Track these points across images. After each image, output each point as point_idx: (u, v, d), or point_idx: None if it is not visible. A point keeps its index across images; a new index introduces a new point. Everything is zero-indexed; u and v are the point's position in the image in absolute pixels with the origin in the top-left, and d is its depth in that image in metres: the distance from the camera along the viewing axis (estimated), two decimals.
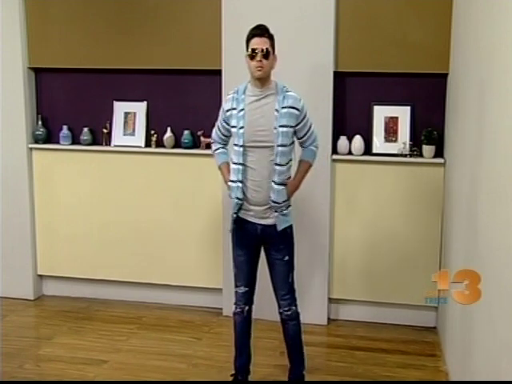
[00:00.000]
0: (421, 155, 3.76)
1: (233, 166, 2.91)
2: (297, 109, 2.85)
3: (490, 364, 2.25)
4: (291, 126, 2.84)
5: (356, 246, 3.92)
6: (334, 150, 3.85)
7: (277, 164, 2.83)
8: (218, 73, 3.86)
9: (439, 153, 3.76)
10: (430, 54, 3.70)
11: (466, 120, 3.02)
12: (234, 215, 2.93)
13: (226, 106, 2.95)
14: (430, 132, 3.72)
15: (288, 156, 2.87)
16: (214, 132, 3.10)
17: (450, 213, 3.46)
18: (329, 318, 3.99)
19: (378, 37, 3.75)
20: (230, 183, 2.92)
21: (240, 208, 2.91)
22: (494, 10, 2.42)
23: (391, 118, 3.83)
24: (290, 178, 2.94)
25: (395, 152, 3.79)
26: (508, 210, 2.04)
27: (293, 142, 2.90)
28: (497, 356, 2.14)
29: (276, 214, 2.88)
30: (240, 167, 2.85)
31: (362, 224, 3.89)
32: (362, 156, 3.84)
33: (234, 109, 2.88)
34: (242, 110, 2.86)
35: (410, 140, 3.78)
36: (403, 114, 3.81)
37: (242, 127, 2.84)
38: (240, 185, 2.86)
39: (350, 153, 3.86)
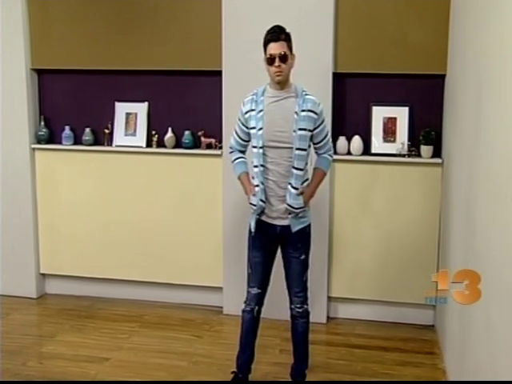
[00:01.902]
0: (419, 155, 3.79)
1: (255, 170, 2.91)
2: (315, 112, 2.86)
3: (488, 362, 2.27)
4: (309, 130, 2.86)
5: (355, 245, 3.95)
6: (334, 150, 3.87)
7: (294, 168, 2.85)
8: (219, 73, 3.89)
9: (437, 153, 3.79)
10: (428, 55, 3.73)
11: (463, 120, 3.04)
12: (257, 217, 2.94)
13: (244, 108, 2.95)
14: (427, 132, 3.75)
15: (305, 160, 2.89)
16: (232, 139, 3.09)
17: (448, 212, 3.49)
18: (328, 317, 4.03)
19: (377, 38, 3.79)
20: (255, 188, 2.91)
21: (262, 211, 2.93)
22: (492, 12, 2.45)
23: (390, 118, 3.86)
24: (307, 180, 2.96)
25: (394, 152, 3.82)
26: (506, 209, 2.05)
27: (310, 146, 2.92)
28: (494, 354, 2.16)
29: (291, 215, 2.91)
30: (261, 168, 2.87)
31: (361, 224, 3.93)
32: (361, 156, 3.87)
33: (253, 110, 2.89)
34: (261, 111, 2.87)
35: (409, 140, 3.81)
36: (401, 114, 3.84)
37: (260, 128, 2.85)
38: (262, 187, 2.88)
39: (349, 153, 3.89)
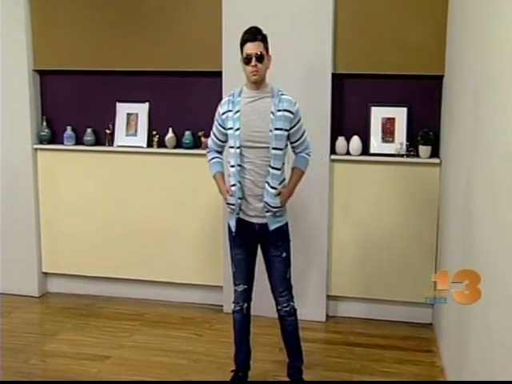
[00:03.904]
0: (417, 155, 3.81)
1: (231, 170, 2.94)
2: (291, 112, 2.89)
3: (485, 360, 2.29)
4: (286, 130, 2.88)
5: (354, 244, 3.97)
6: (333, 150, 3.91)
7: (271, 167, 2.87)
8: (219, 74, 3.92)
9: (435, 153, 3.81)
10: (427, 56, 3.76)
11: (461, 121, 3.06)
12: (237, 216, 2.98)
13: (221, 109, 2.99)
14: (426, 133, 3.77)
15: (282, 159, 2.91)
16: (210, 140, 3.13)
17: (446, 212, 3.51)
18: (327, 315, 4.05)
19: (376, 39, 3.81)
20: (232, 187, 2.94)
21: (240, 209, 2.96)
22: (489, 13, 2.47)
23: (388, 118, 3.89)
24: (284, 180, 2.98)
25: (392, 152, 3.84)
26: (503, 209, 2.07)
27: (286, 146, 2.94)
28: (492, 352, 2.18)
29: (268, 214, 2.93)
30: (238, 168, 2.90)
31: (360, 223, 3.95)
32: (360, 156, 3.90)
33: (230, 111, 2.92)
34: (238, 111, 2.90)
35: (407, 140, 3.84)
36: (400, 114, 3.86)
37: (238, 128, 2.88)
38: (239, 185, 2.92)
39: (347, 153, 3.92)
